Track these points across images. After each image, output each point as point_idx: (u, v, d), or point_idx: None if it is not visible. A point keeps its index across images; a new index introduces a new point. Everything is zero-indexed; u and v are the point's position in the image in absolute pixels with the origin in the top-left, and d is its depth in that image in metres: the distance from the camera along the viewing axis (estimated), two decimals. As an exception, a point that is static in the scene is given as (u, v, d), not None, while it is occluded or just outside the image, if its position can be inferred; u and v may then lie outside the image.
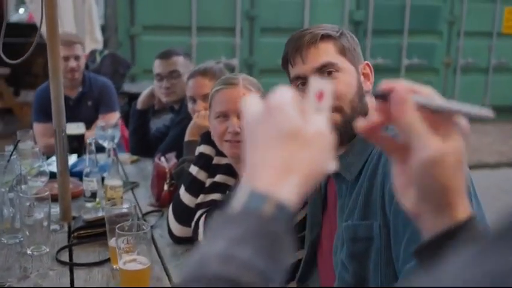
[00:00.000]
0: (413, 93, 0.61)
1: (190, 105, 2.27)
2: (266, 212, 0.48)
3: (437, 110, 0.61)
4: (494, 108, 0.70)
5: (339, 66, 1.37)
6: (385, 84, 0.63)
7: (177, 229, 1.78)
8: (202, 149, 1.84)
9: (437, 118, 0.60)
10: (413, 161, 0.59)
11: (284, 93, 0.57)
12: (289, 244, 0.48)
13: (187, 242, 1.78)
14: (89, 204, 2.11)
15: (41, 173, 2.14)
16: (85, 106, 3.18)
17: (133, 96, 3.87)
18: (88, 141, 2.30)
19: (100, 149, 2.43)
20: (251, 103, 0.59)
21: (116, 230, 1.50)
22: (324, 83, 0.62)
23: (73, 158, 2.54)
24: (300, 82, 1.40)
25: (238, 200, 0.50)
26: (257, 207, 0.48)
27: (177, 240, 1.80)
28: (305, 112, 0.56)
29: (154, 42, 5.29)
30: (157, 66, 2.66)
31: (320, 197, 1.56)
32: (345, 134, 1.36)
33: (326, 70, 1.36)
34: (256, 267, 0.44)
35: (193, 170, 1.82)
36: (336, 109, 1.35)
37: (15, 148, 1.97)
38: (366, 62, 1.45)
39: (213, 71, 2.21)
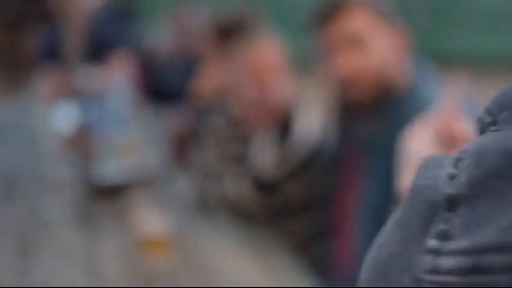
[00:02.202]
0: None
1: None
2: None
3: None
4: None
5: (370, 36, 1.36)
6: None
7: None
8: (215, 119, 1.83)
9: None
10: None
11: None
12: None
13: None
14: (105, 158, 2.05)
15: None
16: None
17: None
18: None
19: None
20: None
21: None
22: (463, 84, 0.73)
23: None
24: (330, 50, 1.38)
25: None
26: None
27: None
28: None
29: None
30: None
31: (343, 164, 1.56)
32: (371, 105, 1.39)
33: (356, 42, 1.35)
34: None
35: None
36: (364, 81, 1.36)
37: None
38: (399, 26, 1.41)
39: None
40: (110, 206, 1.75)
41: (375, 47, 1.36)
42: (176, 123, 2.07)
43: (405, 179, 0.76)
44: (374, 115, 1.38)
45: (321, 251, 1.64)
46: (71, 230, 1.63)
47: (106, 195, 1.79)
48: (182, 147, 2.05)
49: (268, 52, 1.67)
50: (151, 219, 1.48)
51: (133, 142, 2.08)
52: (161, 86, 2.74)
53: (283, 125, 1.68)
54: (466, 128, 0.77)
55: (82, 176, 1.85)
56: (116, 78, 2.43)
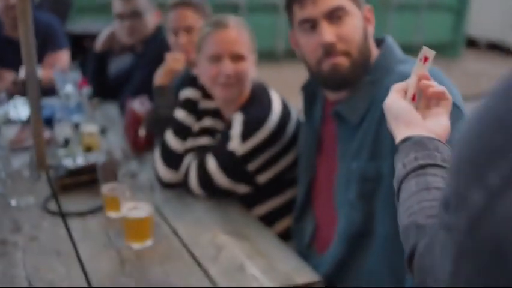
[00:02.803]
0: None
1: (172, 39, 2.17)
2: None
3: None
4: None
5: (348, 10, 1.38)
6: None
7: (166, 174, 1.76)
8: (188, 92, 1.80)
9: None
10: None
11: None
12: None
13: (177, 186, 1.77)
14: (62, 152, 2.03)
15: (10, 120, 2.04)
16: None
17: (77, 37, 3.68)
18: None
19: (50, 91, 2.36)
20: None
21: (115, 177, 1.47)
22: (430, 51, 0.92)
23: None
24: (310, 25, 1.40)
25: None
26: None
27: (166, 185, 1.78)
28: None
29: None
30: (118, 6, 2.53)
31: (315, 140, 1.60)
32: (351, 77, 1.41)
33: (336, 14, 1.37)
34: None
35: (180, 114, 1.78)
36: (344, 53, 1.39)
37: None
38: (367, 6, 1.46)
39: (195, 2, 2.13)
40: (75, 193, 1.71)
41: (356, 18, 1.40)
42: (137, 109, 2.05)
43: (397, 132, 0.93)
44: (351, 83, 1.42)
45: (300, 224, 1.68)
46: (42, 218, 1.58)
47: (70, 183, 1.75)
48: (138, 131, 2.03)
49: (241, 33, 1.69)
50: (127, 204, 1.47)
51: (90, 131, 2.04)
52: (115, 74, 2.68)
53: (251, 104, 1.70)
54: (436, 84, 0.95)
55: (40, 164, 1.80)
56: (62, 73, 2.37)
